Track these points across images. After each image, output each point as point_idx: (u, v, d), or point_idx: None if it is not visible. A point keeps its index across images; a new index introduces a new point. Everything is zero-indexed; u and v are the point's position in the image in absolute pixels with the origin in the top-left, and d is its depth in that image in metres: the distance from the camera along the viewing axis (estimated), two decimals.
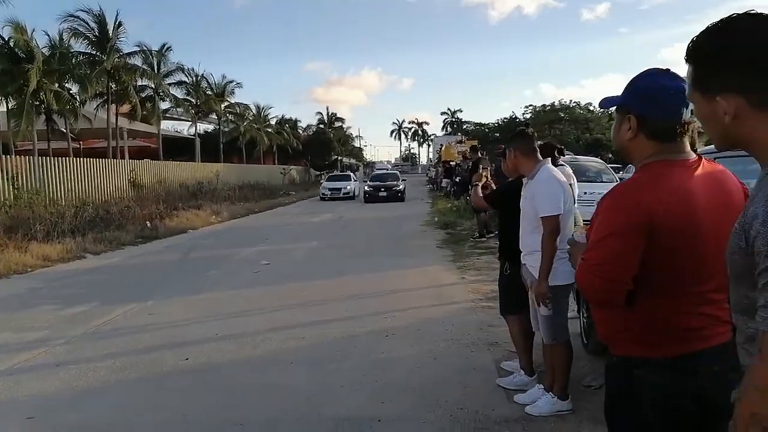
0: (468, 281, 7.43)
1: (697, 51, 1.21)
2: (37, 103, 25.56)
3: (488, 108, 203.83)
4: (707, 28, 1.20)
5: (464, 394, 3.80)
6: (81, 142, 34.31)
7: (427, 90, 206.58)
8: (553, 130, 37.90)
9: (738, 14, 1.17)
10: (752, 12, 1.15)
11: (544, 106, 43.83)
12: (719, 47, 1.16)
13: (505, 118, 47.80)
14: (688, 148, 1.65)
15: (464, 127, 74.08)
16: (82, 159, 19.40)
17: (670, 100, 1.61)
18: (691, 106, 1.61)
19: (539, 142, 5.98)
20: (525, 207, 3.52)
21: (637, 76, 1.71)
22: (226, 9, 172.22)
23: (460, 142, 32.06)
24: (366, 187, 26.14)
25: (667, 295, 1.58)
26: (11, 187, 13.90)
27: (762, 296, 1.05)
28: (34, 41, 25.36)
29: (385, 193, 24.77)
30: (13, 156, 17.03)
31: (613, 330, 1.70)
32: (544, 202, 3.31)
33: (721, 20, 1.18)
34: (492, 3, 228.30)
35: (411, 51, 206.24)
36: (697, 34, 1.21)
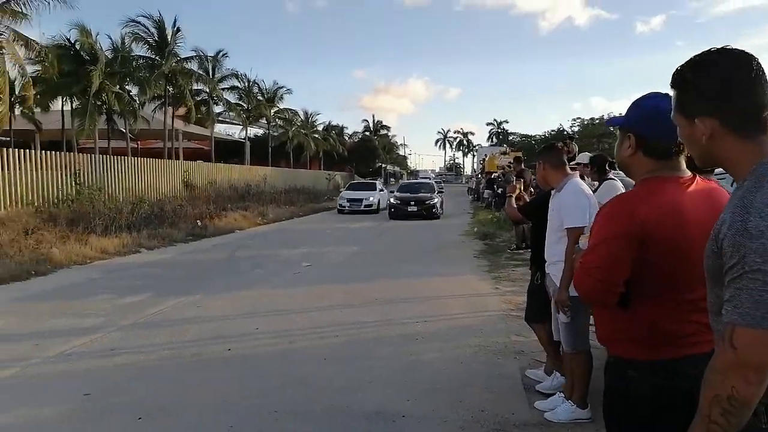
0: (502, 291, 7.54)
1: (679, 79, 1.41)
2: (99, 103, 26.96)
3: (536, 120, 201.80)
4: (690, 59, 1.40)
5: (487, 398, 3.96)
6: (139, 142, 35.86)
7: (474, 100, 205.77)
8: (602, 144, 37.18)
9: (715, 48, 1.35)
10: (727, 48, 1.34)
11: (592, 119, 43.15)
12: (698, 77, 1.35)
13: (552, 131, 47.32)
14: (684, 166, 1.81)
15: (510, 138, 73.50)
16: (139, 158, 20.36)
17: (667, 122, 1.76)
18: None
19: (591, 155, 6.11)
20: (551, 218, 3.68)
21: (639, 98, 1.88)
22: (277, 17, 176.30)
23: (505, 153, 31.76)
24: (392, 200, 21.17)
25: (659, 301, 1.71)
26: (74, 183, 14.78)
27: (727, 291, 1.22)
28: (98, 44, 26.82)
29: (415, 208, 19.92)
30: (76, 153, 18.08)
31: (611, 330, 1.84)
32: (570, 213, 3.46)
33: (701, 54, 1.37)
34: (542, 13, 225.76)
35: (459, 61, 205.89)
36: (680, 64, 1.41)
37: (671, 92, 1.45)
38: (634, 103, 1.86)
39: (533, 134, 51.56)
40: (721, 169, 2.18)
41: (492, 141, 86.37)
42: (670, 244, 1.68)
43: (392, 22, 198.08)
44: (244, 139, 42.24)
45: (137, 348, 5.20)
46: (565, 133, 41.11)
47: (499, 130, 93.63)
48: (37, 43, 21.71)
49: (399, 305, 6.82)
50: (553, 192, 3.77)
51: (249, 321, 6.09)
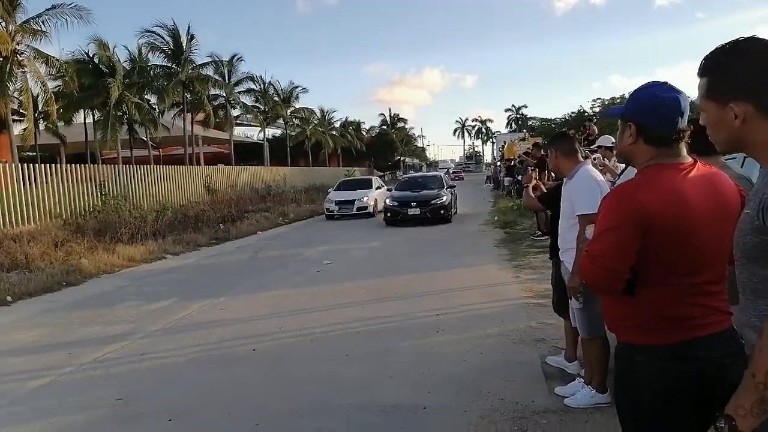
0: (522, 280, 7.53)
1: (712, 66, 1.46)
2: (120, 114, 27.56)
3: (555, 103, 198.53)
4: (720, 47, 1.45)
5: (506, 386, 3.99)
6: (160, 150, 36.55)
7: (491, 86, 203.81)
8: None
9: (744, 37, 1.43)
10: (755, 37, 1.42)
11: (613, 98, 42.44)
12: (734, 62, 1.41)
13: (572, 113, 46.68)
14: (684, 152, 1.84)
15: (529, 123, 72.80)
16: (161, 166, 20.71)
17: (665, 110, 1.81)
18: (686, 115, 1.82)
19: (614, 138, 6.06)
20: (564, 205, 3.69)
21: (638, 88, 1.92)
22: (289, 17, 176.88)
23: (524, 139, 31.39)
24: (387, 201, 16.55)
25: (664, 286, 1.74)
26: (99, 193, 15.15)
27: None
28: (115, 56, 27.38)
29: (417, 211, 15.55)
30: (100, 165, 18.51)
31: (618, 318, 1.88)
32: (581, 200, 3.45)
33: (731, 42, 1.44)
34: None
35: (473, 47, 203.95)
36: (708, 53, 1.47)
37: (700, 80, 1.49)
38: (632, 94, 1.91)
39: (553, 118, 50.90)
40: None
41: (511, 127, 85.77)
42: (673, 230, 1.71)
43: (404, 14, 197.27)
44: (262, 140, 42.63)
45: (165, 352, 5.35)
46: (585, 114, 40.53)
47: (518, 116, 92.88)
48: (56, 60, 22.29)
49: (419, 299, 6.86)
50: (565, 180, 3.78)
51: (272, 321, 6.21)
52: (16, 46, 20.11)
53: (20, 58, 20.43)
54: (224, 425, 3.73)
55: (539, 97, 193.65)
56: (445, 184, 17.40)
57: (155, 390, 4.42)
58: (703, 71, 1.48)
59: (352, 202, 19.06)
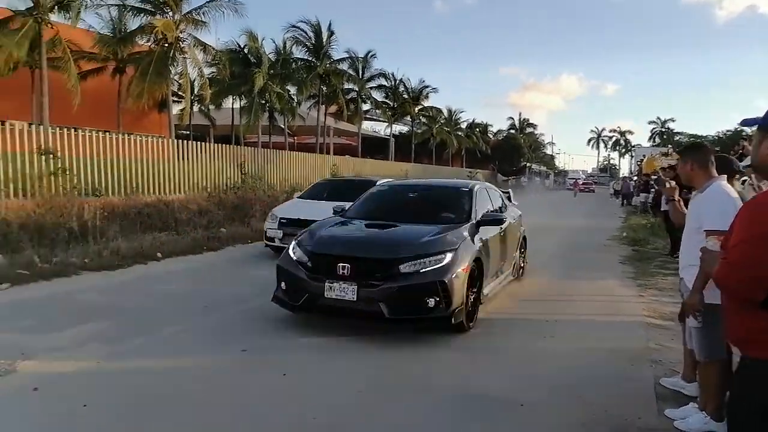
0: (645, 299, 7.09)
1: None
2: (263, 102, 29.72)
3: (709, 119, 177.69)
4: None
5: (613, 400, 3.86)
6: (295, 138, 38.83)
7: (634, 97, 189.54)
8: None
9: None
10: None
11: None
12: None
13: (728, 131, 42.57)
14: None
15: (676, 138, 67.38)
16: (294, 152, 22.11)
17: None
18: None
19: None
20: (690, 219, 3.51)
21: None
22: (426, 16, 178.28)
23: (667, 154, 29.05)
24: (291, 250, 5.55)
25: None
26: (240, 172, 16.61)
27: None
28: (262, 48, 29.54)
29: (352, 290, 4.91)
30: (242, 147, 20.18)
31: (751, 331, 1.81)
32: (711, 215, 3.24)
33: None
34: (719, 2, 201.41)
35: (617, 55, 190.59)
36: None
37: None
38: None
39: (705, 134, 46.61)
40: None
41: (654, 141, 79.81)
42: None
43: (544, 17, 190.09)
44: (388, 135, 43.69)
45: (287, 315, 5.70)
46: (744, 134, 36.68)
47: (663, 129, 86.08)
48: (213, 48, 24.55)
49: (532, 303, 6.78)
50: (694, 193, 3.59)
51: None
52: (179, 34, 22.46)
53: (182, 45, 22.79)
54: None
55: (690, 111, 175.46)
56: (475, 214, 6.23)
57: (277, 346, 4.81)
58: None
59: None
